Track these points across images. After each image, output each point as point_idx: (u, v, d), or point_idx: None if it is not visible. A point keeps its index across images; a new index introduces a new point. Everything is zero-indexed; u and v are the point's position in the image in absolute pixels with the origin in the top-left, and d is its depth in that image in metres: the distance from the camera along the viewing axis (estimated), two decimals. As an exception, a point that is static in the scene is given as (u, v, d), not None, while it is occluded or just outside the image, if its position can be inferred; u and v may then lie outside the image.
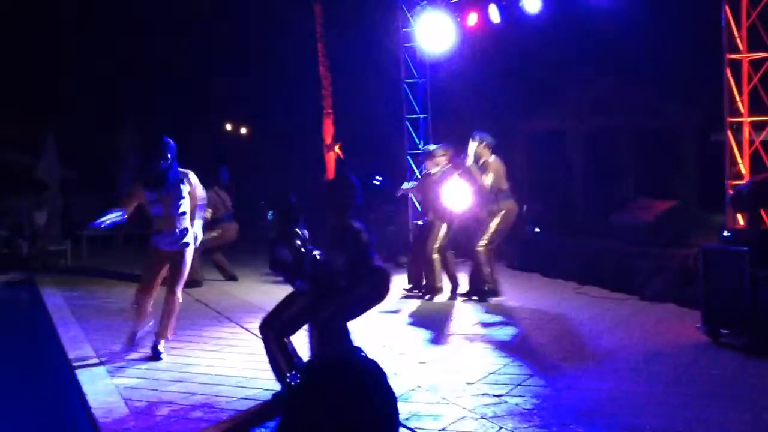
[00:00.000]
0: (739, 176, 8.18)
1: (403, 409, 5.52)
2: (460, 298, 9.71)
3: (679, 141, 14.73)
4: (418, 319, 8.72)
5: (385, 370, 1.43)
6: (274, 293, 10.20)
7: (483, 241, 9.44)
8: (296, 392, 1.41)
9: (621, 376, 6.15)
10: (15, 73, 16.95)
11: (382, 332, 7.71)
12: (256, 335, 7.79)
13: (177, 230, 7.08)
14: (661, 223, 9.72)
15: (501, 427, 5.03)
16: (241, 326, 8.28)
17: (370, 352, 6.32)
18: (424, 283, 10.07)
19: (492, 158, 9.50)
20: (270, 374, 6.09)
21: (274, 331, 5.79)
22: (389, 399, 1.40)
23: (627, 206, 10.78)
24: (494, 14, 11.06)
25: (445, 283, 9.91)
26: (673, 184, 13.53)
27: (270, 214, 7.41)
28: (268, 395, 5.81)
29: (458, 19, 11.79)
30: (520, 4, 10.52)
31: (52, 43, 17.46)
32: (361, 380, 1.38)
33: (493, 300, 9.41)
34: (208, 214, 9.31)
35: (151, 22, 17.77)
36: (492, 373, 6.35)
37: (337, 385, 1.36)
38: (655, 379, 6.04)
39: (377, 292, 5.69)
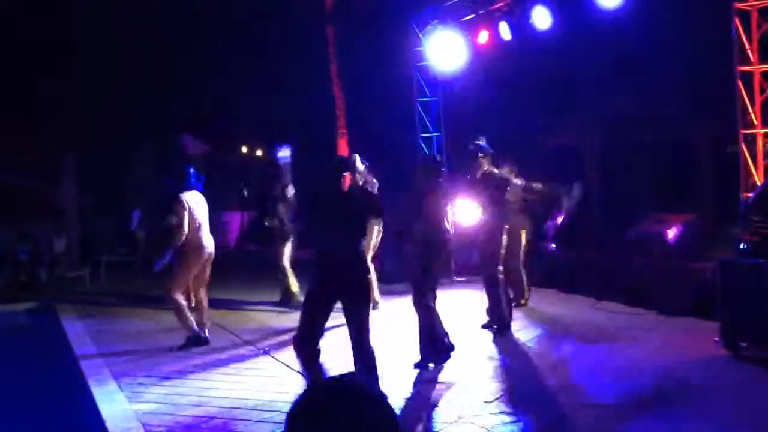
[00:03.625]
0: (755, 188, 8.12)
1: (421, 429, 5.52)
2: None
3: (695, 154, 14.67)
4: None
5: (388, 397, 1.43)
6: (291, 316, 10.26)
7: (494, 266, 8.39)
8: (294, 418, 1.41)
9: (640, 392, 6.10)
10: (33, 100, 17.14)
11: (398, 351, 7.69)
12: (274, 358, 7.82)
13: None
14: (679, 237, 9.67)
15: (519, 446, 5.02)
16: (259, 349, 8.29)
17: (385, 373, 6.35)
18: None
19: (486, 168, 8.39)
20: (288, 396, 6.10)
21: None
22: (390, 428, 1.40)
23: (644, 220, 10.72)
24: (505, 31, 11.09)
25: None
26: (690, 198, 13.46)
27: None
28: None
29: (469, 38, 11.84)
30: (530, 21, 10.54)
31: (70, 70, 17.66)
32: (361, 407, 1.38)
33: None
34: None
35: (166, 50, 17.95)
36: (509, 391, 6.32)
37: (336, 412, 1.37)
38: (676, 394, 5.99)
39: None
